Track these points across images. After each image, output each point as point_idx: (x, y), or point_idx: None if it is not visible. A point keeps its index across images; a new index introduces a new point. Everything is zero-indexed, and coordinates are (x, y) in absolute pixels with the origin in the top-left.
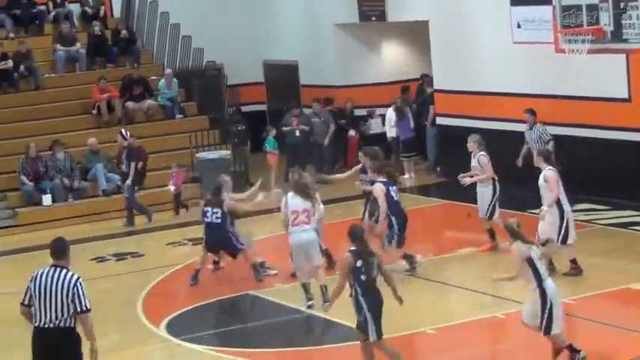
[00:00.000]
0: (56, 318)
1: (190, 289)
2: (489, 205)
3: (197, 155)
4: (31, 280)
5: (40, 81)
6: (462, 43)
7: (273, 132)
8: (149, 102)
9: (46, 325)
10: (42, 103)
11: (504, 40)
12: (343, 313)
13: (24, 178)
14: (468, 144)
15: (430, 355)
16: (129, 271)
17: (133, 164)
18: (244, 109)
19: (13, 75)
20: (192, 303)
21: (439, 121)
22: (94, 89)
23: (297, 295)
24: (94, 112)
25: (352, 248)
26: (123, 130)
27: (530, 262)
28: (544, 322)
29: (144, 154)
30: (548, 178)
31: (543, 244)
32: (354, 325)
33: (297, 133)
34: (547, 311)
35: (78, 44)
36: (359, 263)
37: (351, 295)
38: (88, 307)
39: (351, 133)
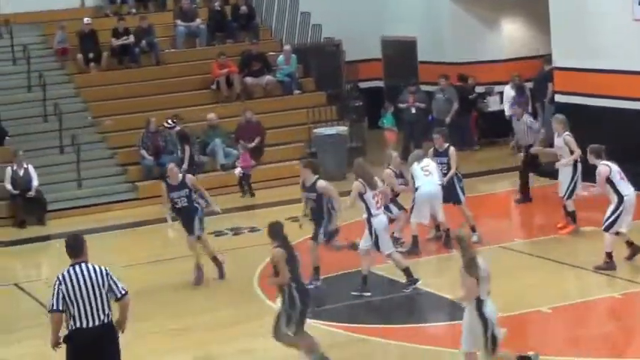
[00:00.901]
0: (99, 315)
1: (305, 265)
2: (568, 186)
3: (314, 131)
4: (60, 284)
5: (161, 56)
6: (581, 19)
7: (392, 108)
8: (268, 78)
9: (91, 325)
10: (162, 78)
11: (625, 17)
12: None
13: (144, 153)
14: (552, 124)
15: (546, 334)
16: (246, 246)
17: (187, 148)
18: (362, 85)
19: (135, 50)
20: (307, 279)
21: (557, 98)
22: (213, 65)
23: (412, 272)
24: (214, 87)
25: (277, 244)
26: (165, 122)
27: (478, 281)
28: (489, 343)
29: (262, 130)
30: (599, 173)
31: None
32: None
33: (414, 110)
34: (490, 332)
35: (198, 20)
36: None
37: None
38: (126, 288)
39: None
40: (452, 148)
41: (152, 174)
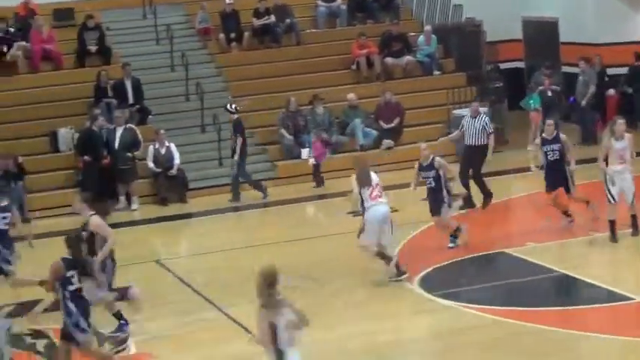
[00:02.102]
0: None
1: (443, 245)
2: None
3: (454, 112)
4: None
5: (302, 36)
6: None
7: (538, 89)
8: (407, 58)
9: None
10: (303, 58)
11: None
12: (602, 273)
13: (284, 132)
14: None
15: None
16: None
17: (239, 139)
18: (502, 66)
19: (276, 30)
20: (447, 259)
21: None
22: (353, 45)
23: (550, 255)
24: (354, 67)
25: (66, 256)
26: (228, 105)
27: (273, 328)
28: None
29: (401, 110)
30: None
31: None
32: (609, 287)
33: (550, 93)
34: None
35: (339, 0)
36: (70, 273)
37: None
38: None
39: (611, 92)
40: (562, 135)
41: (292, 153)
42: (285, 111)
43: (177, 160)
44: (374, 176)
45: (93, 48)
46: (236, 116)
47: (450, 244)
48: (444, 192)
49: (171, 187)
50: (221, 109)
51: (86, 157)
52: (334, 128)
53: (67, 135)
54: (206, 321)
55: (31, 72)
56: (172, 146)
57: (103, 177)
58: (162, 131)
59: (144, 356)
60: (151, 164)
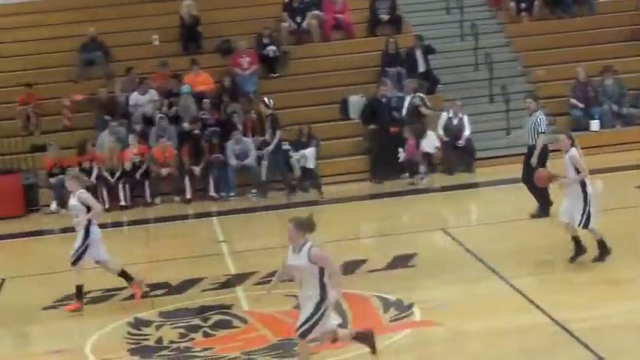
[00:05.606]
0: None
1: None
2: None
3: None
4: None
5: (595, 6)
6: None
7: None
8: None
9: None
10: (594, 28)
11: None
12: None
13: (575, 102)
14: None
15: None
16: None
17: (278, 132)
18: None
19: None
20: None
21: None
22: None
23: None
24: None
25: None
26: (266, 99)
27: None
28: None
29: None
30: None
31: None
32: None
33: None
34: None
35: None
36: None
37: None
38: None
39: None
40: None
41: (581, 125)
42: (575, 82)
43: (467, 132)
44: None
45: (385, 17)
46: (269, 111)
47: None
48: None
49: (458, 156)
50: (510, 79)
51: (372, 126)
52: (625, 100)
53: (357, 102)
54: (490, 291)
55: (323, 41)
56: (465, 118)
57: (389, 144)
58: (459, 102)
59: (427, 323)
60: (440, 131)
